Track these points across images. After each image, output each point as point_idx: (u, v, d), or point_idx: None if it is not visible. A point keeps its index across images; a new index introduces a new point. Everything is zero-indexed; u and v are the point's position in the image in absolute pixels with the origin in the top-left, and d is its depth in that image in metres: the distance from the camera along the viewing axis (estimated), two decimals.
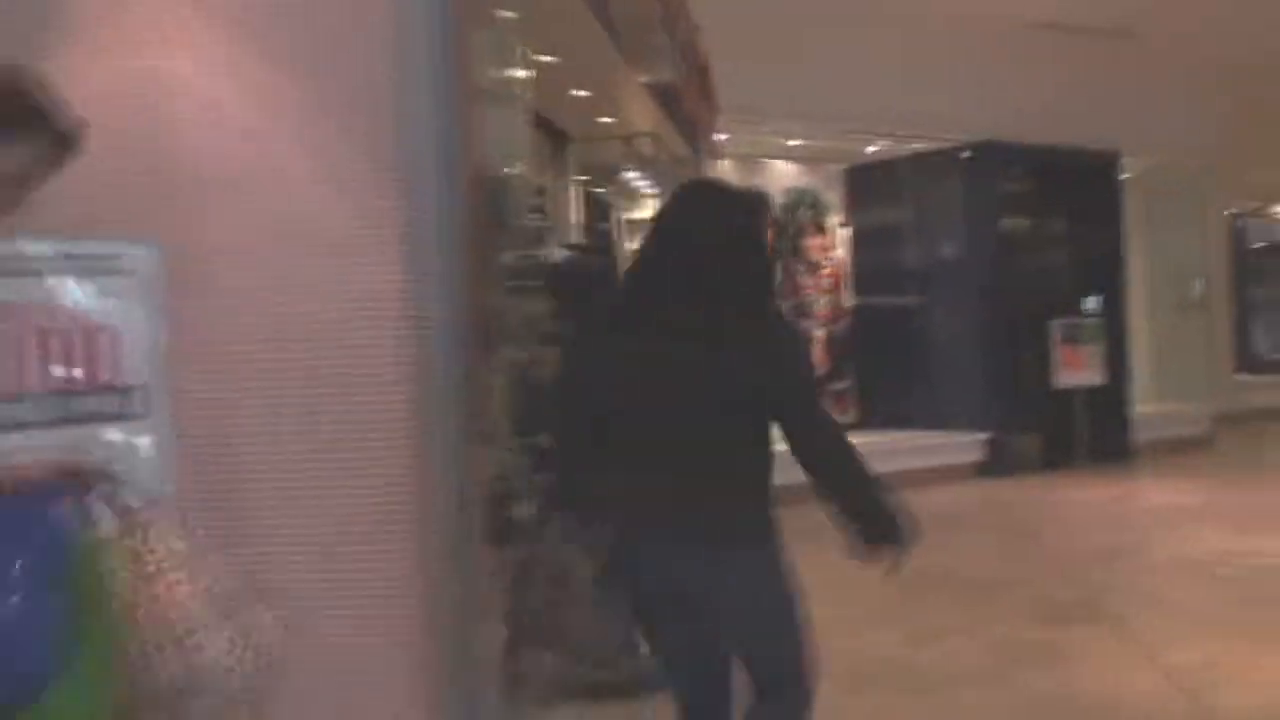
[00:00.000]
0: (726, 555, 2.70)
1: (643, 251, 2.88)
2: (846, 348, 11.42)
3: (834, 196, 11.80)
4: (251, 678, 2.13)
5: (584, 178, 8.44)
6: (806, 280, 11.24)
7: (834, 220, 11.64)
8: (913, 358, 11.38)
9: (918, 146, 11.42)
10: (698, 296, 2.66)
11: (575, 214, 8.05)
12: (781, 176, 11.32)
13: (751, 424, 2.71)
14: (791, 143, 10.88)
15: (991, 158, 11.26)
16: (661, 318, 2.69)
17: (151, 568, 2.09)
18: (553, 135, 7.90)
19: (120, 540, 2.08)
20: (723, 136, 10.12)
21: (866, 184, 11.96)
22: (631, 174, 8.14)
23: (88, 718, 2.01)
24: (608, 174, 8.60)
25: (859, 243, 11.79)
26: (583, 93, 7.26)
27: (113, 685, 2.03)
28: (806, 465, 2.71)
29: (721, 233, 2.72)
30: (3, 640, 1.89)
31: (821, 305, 11.26)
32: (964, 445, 10.92)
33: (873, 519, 2.73)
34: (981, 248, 11.22)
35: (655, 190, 8.85)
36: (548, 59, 5.84)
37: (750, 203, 2.99)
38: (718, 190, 2.98)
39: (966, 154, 11.25)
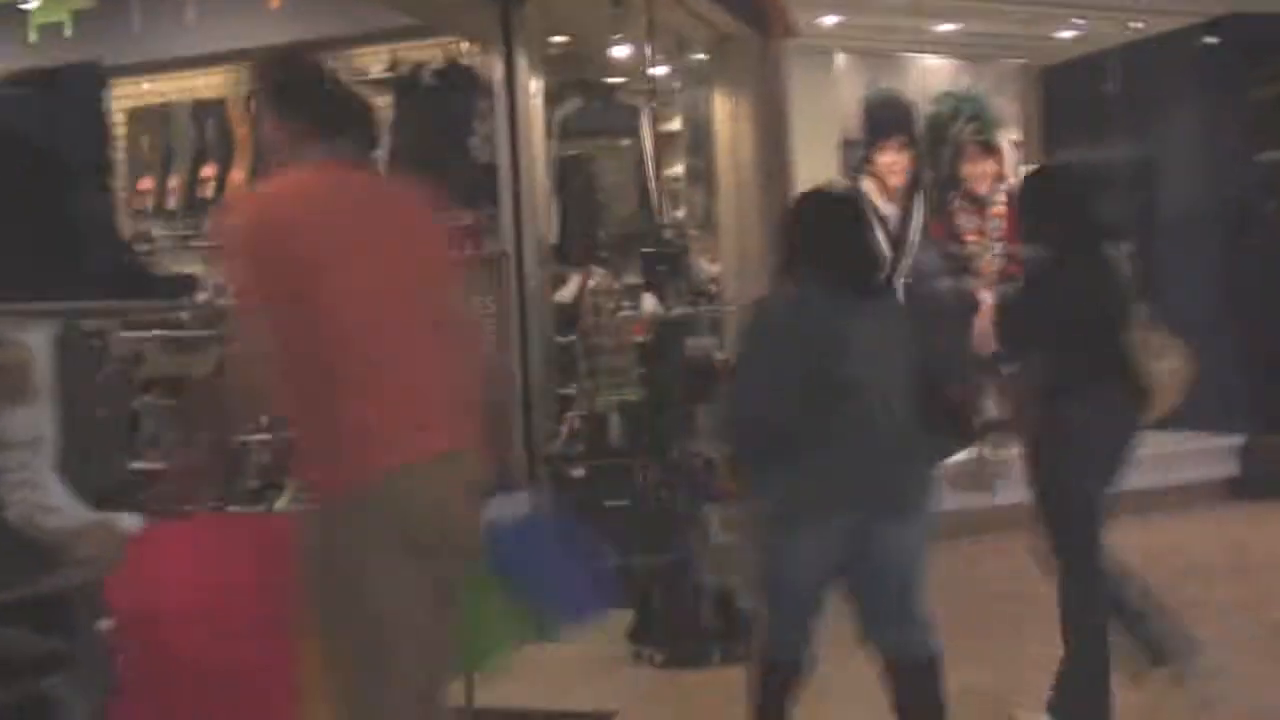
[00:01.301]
0: None
1: None
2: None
3: (1007, 104, 8.58)
4: None
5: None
6: (968, 222, 7.82)
7: (1007, 138, 8.35)
8: None
9: (1137, 28, 8.15)
10: None
11: (531, 114, 5.18)
12: (928, 77, 8.08)
13: None
14: (943, 27, 7.72)
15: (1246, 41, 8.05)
16: None
17: None
18: None
19: None
20: (831, 19, 7.12)
21: (1060, 88, 8.79)
22: (620, 49, 5.23)
23: None
24: (595, 56, 5.70)
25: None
26: None
27: None
28: None
29: None
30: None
31: (989, 257, 7.80)
32: (1208, 454, 7.91)
33: None
34: (1231, 179, 8.27)
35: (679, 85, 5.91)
36: None
37: None
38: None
39: (1209, 39, 8.02)
